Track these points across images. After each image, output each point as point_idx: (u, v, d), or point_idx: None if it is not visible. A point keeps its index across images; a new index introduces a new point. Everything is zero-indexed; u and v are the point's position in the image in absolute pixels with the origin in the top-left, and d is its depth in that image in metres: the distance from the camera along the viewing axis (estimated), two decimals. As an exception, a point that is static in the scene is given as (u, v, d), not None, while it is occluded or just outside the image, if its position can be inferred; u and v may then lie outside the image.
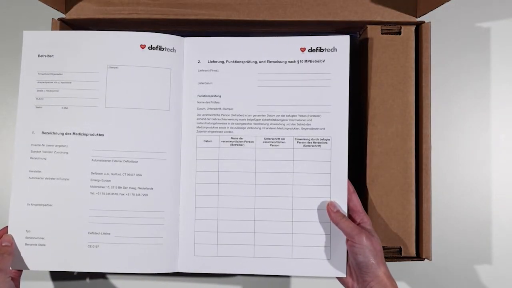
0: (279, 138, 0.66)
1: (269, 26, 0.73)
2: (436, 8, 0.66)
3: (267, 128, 0.66)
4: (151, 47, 0.66)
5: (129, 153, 0.65)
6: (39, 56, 0.66)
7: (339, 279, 0.65)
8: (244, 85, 0.67)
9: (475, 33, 0.79)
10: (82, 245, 0.64)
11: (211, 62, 0.68)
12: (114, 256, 0.64)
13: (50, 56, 0.66)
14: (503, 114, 0.79)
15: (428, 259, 0.67)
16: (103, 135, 0.65)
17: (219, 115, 0.67)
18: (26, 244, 0.64)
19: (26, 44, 0.66)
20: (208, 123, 0.67)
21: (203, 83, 0.67)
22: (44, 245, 0.64)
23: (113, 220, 0.64)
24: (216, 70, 0.68)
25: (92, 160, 0.65)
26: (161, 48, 0.66)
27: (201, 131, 0.67)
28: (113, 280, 0.77)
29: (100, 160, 0.65)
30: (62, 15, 0.71)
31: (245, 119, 0.67)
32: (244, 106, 0.67)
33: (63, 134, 0.65)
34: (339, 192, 0.65)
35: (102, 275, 0.77)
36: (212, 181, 0.66)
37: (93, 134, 0.65)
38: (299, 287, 0.77)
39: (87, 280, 0.77)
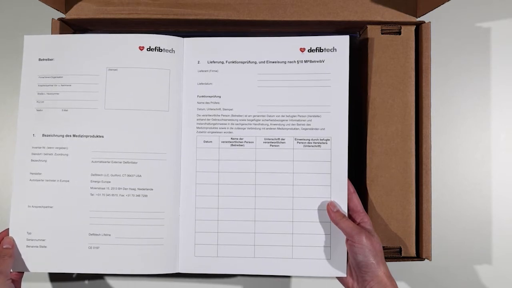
0: (279, 139, 0.66)
1: (269, 26, 0.73)
2: (436, 8, 0.66)
3: (267, 129, 0.66)
4: (149, 49, 0.66)
5: (129, 154, 0.65)
6: (39, 60, 0.66)
7: (339, 279, 0.65)
8: (244, 85, 0.67)
9: (475, 33, 0.79)
10: (83, 247, 0.64)
11: (210, 62, 0.68)
12: (115, 257, 0.64)
13: (51, 59, 0.66)
14: (503, 114, 0.79)
15: (428, 259, 0.67)
16: (102, 136, 0.65)
17: (219, 115, 0.67)
18: (27, 246, 0.64)
19: (27, 48, 0.67)
20: (208, 124, 0.67)
21: (202, 84, 0.67)
22: (45, 247, 0.64)
23: (113, 221, 0.65)
24: (216, 71, 0.67)
25: (92, 161, 0.65)
26: (159, 49, 0.66)
27: (201, 132, 0.67)
28: (113, 281, 0.77)
29: (100, 162, 0.65)
30: (62, 15, 0.71)
31: (245, 120, 0.67)
32: (244, 107, 0.67)
33: (63, 136, 0.65)
34: (339, 192, 0.65)
35: (101, 276, 0.77)
36: (212, 182, 0.66)
37: (93, 136, 0.65)
38: (299, 287, 0.78)
39: (86, 282, 0.77)
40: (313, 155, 0.66)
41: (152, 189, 0.65)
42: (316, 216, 0.65)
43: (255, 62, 0.67)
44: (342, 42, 0.66)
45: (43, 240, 0.64)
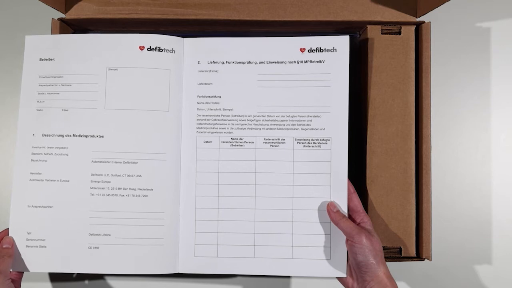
0: (279, 139, 0.66)
1: (269, 26, 0.73)
2: (436, 8, 0.66)
3: (267, 129, 0.66)
4: (150, 49, 0.66)
5: (129, 154, 0.65)
6: (40, 59, 0.66)
7: (339, 279, 0.65)
8: (244, 85, 0.67)
9: (475, 33, 0.79)
10: (83, 247, 0.64)
11: (211, 62, 0.68)
12: (115, 257, 0.64)
13: (51, 59, 0.66)
14: (503, 114, 0.78)
15: (428, 259, 0.67)
16: (103, 136, 0.65)
17: (219, 115, 0.67)
18: (27, 246, 0.64)
19: (28, 48, 0.67)
20: (208, 124, 0.67)
21: (203, 84, 0.67)
22: (45, 246, 0.64)
23: (113, 221, 0.65)
24: (216, 71, 0.68)
25: (92, 161, 0.65)
26: (160, 49, 0.66)
27: (201, 132, 0.67)
28: (113, 281, 0.77)
29: (100, 162, 0.65)
30: (62, 15, 0.71)
31: (245, 120, 0.67)
32: (244, 107, 0.67)
33: (63, 136, 0.65)
34: (339, 192, 0.65)
35: (101, 276, 0.77)
36: (212, 182, 0.66)
37: (93, 136, 0.65)
38: (299, 287, 0.77)
39: (86, 282, 0.77)
40: (313, 155, 0.66)
41: (152, 189, 0.65)
42: (316, 216, 0.65)
43: (255, 62, 0.67)
44: (342, 42, 0.66)
45: (43, 240, 0.64)
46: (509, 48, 0.79)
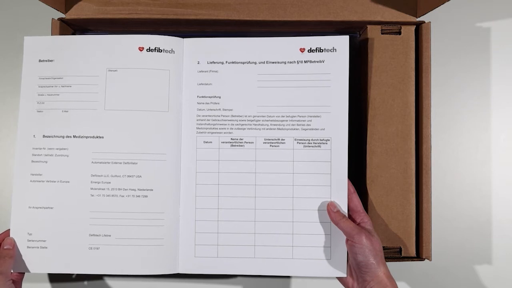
0: (279, 139, 0.66)
1: (269, 26, 0.73)
2: (436, 8, 0.66)
3: (267, 129, 0.66)
4: (149, 49, 0.66)
5: (129, 154, 0.65)
6: (39, 61, 0.66)
7: (339, 279, 0.66)
8: (243, 85, 0.67)
9: (475, 33, 0.79)
10: (83, 247, 0.64)
11: (210, 63, 0.68)
12: (115, 258, 0.64)
13: (51, 60, 0.66)
14: (503, 114, 0.78)
15: (428, 259, 0.67)
16: (103, 137, 0.65)
17: (219, 116, 0.67)
18: (27, 247, 0.64)
19: (27, 49, 0.67)
20: (208, 124, 0.67)
21: (202, 84, 0.67)
22: (46, 247, 0.64)
23: (113, 222, 0.65)
24: (216, 71, 0.67)
25: (92, 162, 0.65)
26: (159, 50, 0.66)
27: (201, 132, 0.67)
28: (113, 281, 0.77)
29: (100, 162, 0.65)
30: (62, 15, 0.71)
31: (245, 120, 0.67)
32: (244, 107, 0.67)
33: (63, 137, 0.65)
34: (339, 192, 0.65)
35: (101, 277, 0.77)
36: (212, 182, 0.66)
37: (93, 137, 0.65)
38: (299, 287, 0.78)
39: (85, 282, 0.77)
40: (313, 156, 0.66)
41: (152, 190, 0.65)
42: (316, 216, 0.65)
43: (255, 63, 0.67)
44: (342, 42, 0.66)
45: (44, 241, 0.64)
46: (509, 48, 0.79)
